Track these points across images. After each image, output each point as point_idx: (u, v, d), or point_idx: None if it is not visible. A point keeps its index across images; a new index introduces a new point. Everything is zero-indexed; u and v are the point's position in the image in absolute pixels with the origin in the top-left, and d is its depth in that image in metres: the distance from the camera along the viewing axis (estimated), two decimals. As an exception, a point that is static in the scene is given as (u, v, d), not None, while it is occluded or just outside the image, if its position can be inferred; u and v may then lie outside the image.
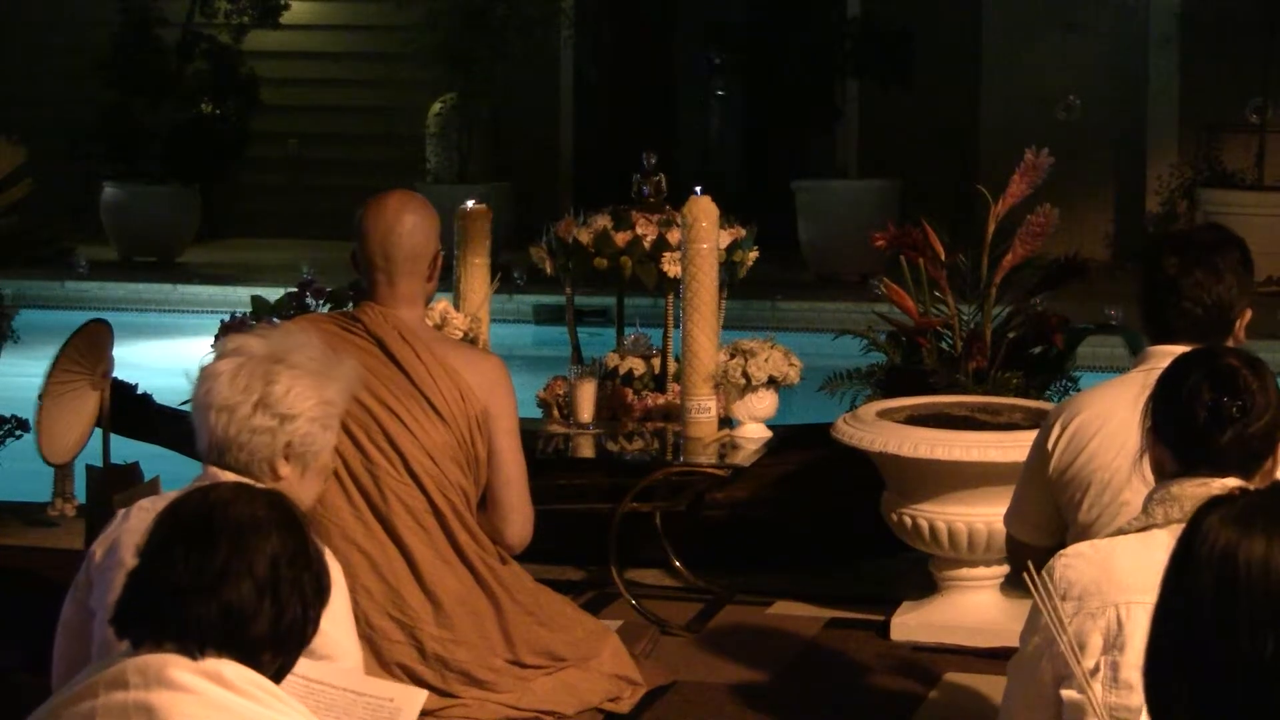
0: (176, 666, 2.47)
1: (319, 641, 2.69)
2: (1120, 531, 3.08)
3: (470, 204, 6.22)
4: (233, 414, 3.38)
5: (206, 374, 3.44)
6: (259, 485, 2.99)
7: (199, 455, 3.49)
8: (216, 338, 6.24)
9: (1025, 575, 2.93)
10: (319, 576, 2.58)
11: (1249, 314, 4.04)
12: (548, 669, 4.79)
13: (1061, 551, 3.12)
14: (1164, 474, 3.12)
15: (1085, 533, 3.93)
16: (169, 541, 2.53)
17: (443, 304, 5.90)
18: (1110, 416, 3.97)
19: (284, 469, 3.41)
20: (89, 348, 5.92)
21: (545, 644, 4.79)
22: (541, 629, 4.79)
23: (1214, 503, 2.24)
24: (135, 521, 3.33)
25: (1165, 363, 3.83)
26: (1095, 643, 2.98)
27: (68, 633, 3.45)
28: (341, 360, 3.56)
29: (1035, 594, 2.93)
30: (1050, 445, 4.07)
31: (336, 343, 4.54)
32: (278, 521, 2.54)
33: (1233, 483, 2.97)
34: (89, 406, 5.96)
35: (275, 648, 2.52)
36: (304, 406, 3.42)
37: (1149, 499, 3.09)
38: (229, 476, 3.31)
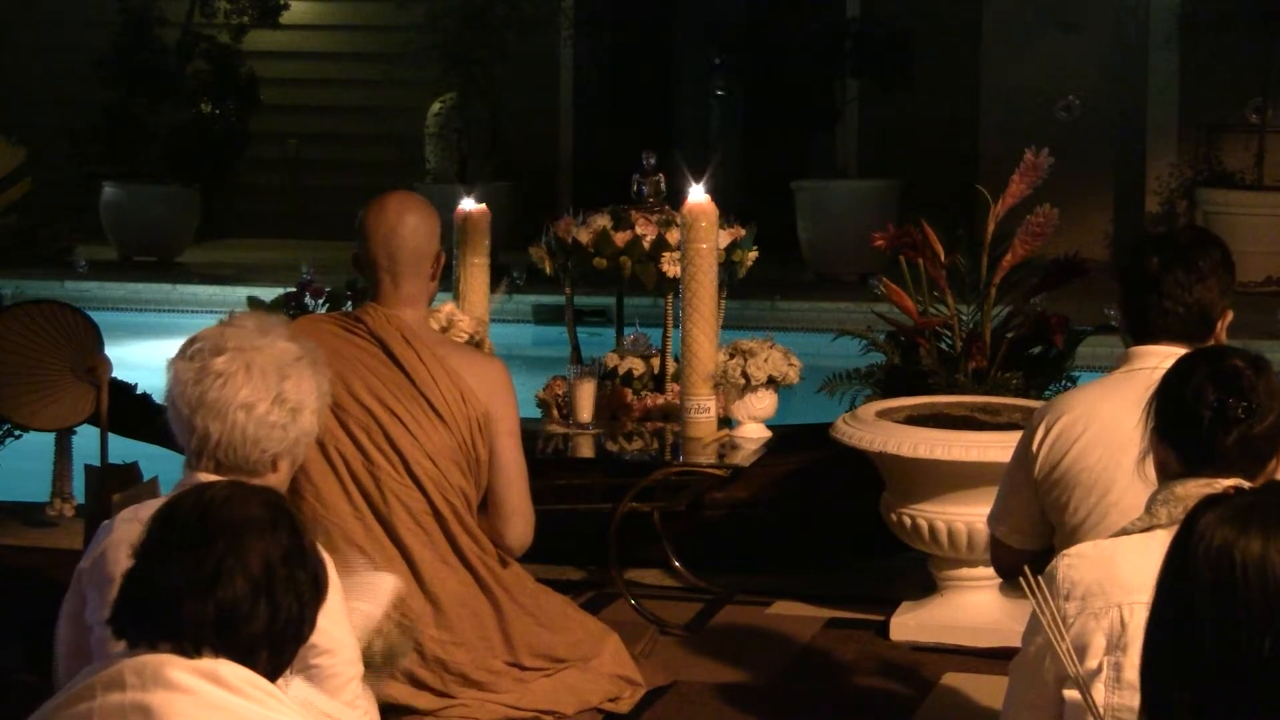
0: (173, 666, 2.47)
1: (316, 638, 2.69)
2: (1124, 532, 3.07)
3: (469, 205, 6.22)
4: (251, 411, 3.38)
5: (212, 371, 3.41)
6: (254, 483, 2.98)
7: (187, 453, 3.46)
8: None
9: (1022, 579, 2.92)
10: (315, 574, 2.58)
11: (1230, 315, 4.03)
12: (547, 670, 4.79)
13: (1064, 551, 3.10)
14: (1168, 474, 3.11)
15: (1073, 534, 3.92)
16: (164, 541, 2.53)
17: (449, 306, 5.90)
18: (1095, 417, 3.96)
19: (283, 464, 3.43)
20: (70, 333, 5.96)
21: (545, 645, 4.79)
22: (542, 630, 4.79)
23: (1208, 502, 2.23)
24: (120, 533, 3.32)
25: (1148, 363, 3.85)
26: (1098, 643, 2.98)
27: (69, 653, 3.42)
28: (316, 347, 3.57)
29: (1034, 600, 2.92)
30: (1035, 447, 4.05)
31: (338, 344, 4.55)
32: (273, 520, 2.54)
33: (1236, 482, 2.96)
34: (73, 396, 5.99)
35: (271, 646, 2.52)
36: (309, 399, 3.43)
37: (1152, 499, 3.08)
38: (213, 478, 3.30)
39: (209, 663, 2.47)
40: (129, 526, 3.28)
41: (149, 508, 3.28)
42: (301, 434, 3.43)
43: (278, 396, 3.40)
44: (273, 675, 2.53)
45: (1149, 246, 4.05)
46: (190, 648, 2.47)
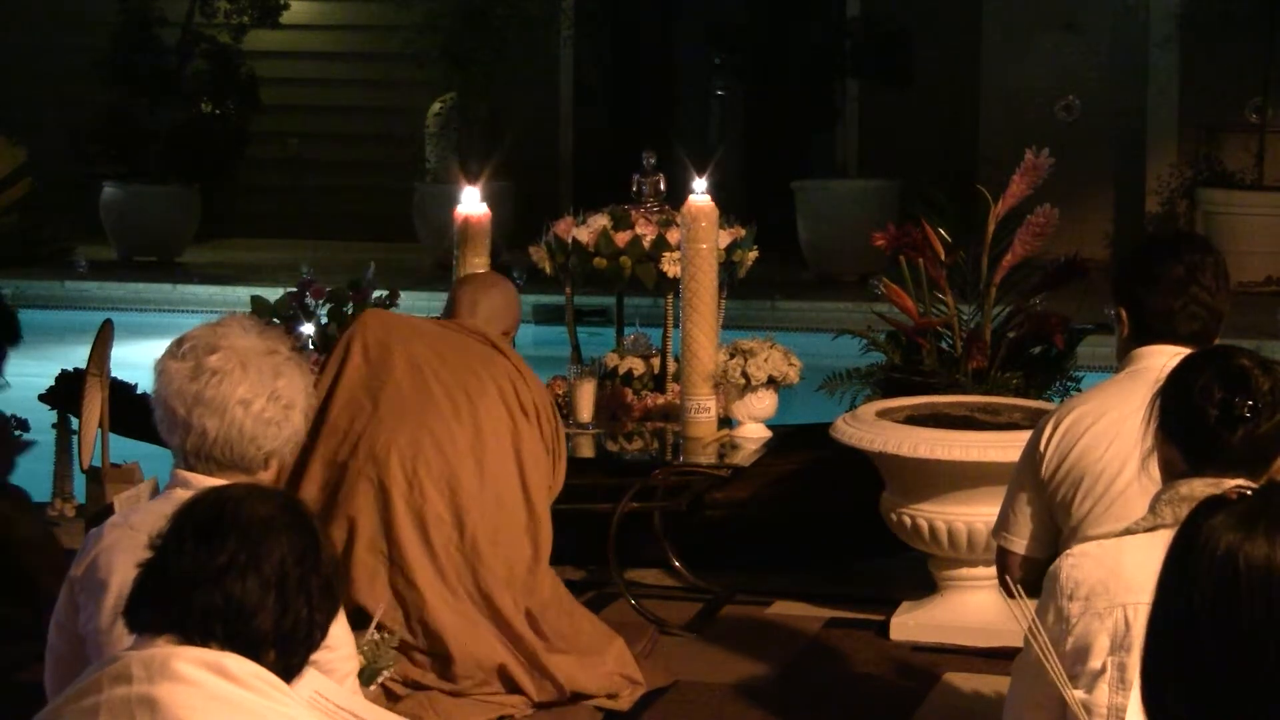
0: (180, 659, 2.47)
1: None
2: (1128, 531, 3.07)
3: (469, 206, 6.21)
4: (249, 407, 3.38)
5: (207, 369, 3.40)
6: (267, 486, 2.99)
7: (177, 453, 3.45)
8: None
9: (1011, 595, 2.91)
10: (329, 580, 2.57)
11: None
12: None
13: (1068, 551, 3.10)
14: (1173, 473, 3.10)
15: (1078, 530, 3.93)
16: (181, 534, 2.53)
17: None
18: (1100, 414, 3.98)
19: (274, 463, 3.43)
20: (104, 349, 5.98)
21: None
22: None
23: (1213, 504, 2.23)
24: (110, 539, 3.31)
25: (1155, 362, 3.85)
26: (1102, 643, 2.97)
27: (58, 661, 3.39)
28: (299, 349, 3.60)
29: (1028, 621, 2.91)
30: (1043, 446, 4.06)
31: None
32: (290, 523, 2.55)
33: (1241, 483, 2.95)
34: (98, 406, 6.00)
35: (279, 646, 2.52)
36: (300, 398, 3.44)
37: (1157, 498, 3.07)
38: (206, 481, 3.29)
39: (216, 655, 2.47)
40: (119, 532, 3.28)
41: (139, 513, 3.30)
42: (293, 432, 3.43)
43: (273, 393, 3.40)
44: (284, 677, 2.52)
45: (1166, 251, 4.05)
46: (197, 637, 2.47)
